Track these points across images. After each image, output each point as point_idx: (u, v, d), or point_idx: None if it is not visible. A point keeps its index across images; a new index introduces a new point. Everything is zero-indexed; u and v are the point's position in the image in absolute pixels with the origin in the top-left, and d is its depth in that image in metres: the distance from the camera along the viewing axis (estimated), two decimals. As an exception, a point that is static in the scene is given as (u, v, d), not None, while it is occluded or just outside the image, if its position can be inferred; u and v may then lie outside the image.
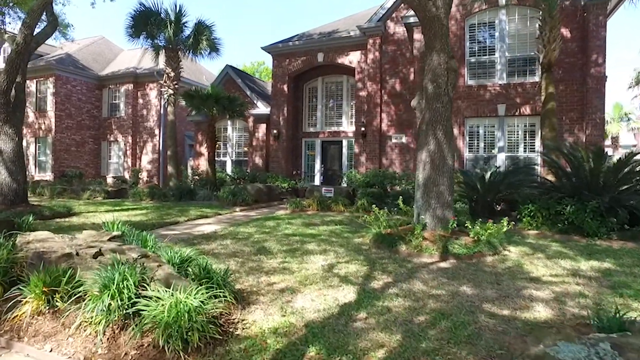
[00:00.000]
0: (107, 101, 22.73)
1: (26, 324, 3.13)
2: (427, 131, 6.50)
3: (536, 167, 11.34)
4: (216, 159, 19.31)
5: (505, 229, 6.36)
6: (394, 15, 14.38)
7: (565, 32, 11.71)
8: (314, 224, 9.19)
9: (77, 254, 3.89)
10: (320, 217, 10.49)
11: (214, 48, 17.01)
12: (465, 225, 6.55)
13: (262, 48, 16.83)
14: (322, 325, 3.35)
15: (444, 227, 6.53)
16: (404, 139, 14.20)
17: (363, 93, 15.24)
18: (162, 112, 21.51)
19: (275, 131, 16.80)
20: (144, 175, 21.62)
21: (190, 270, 3.95)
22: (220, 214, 11.39)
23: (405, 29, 14.14)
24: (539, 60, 10.48)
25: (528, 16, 12.33)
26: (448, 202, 6.58)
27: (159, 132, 21.51)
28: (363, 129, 14.92)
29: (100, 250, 4.02)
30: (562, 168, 9.13)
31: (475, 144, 12.94)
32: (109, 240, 4.72)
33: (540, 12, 10.88)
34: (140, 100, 22.00)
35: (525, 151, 12.34)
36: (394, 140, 14.34)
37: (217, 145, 15.90)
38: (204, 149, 19.36)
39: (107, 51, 25.06)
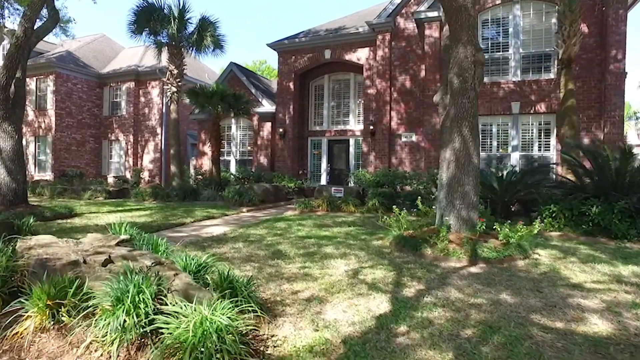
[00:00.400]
0: (108, 99, 22.34)
1: (28, 343, 2.75)
2: (452, 128, 6.14)
3: (553, 166, 10.97)
4: (220, 158, 18.95)
5: (536, 231, 6.00)
6: (403, 11, 14.01)
7: (583, 27, 11.35)
8: (327, 225, 8.83)
9: (85, 261, 3.52)
10: (331, 218, 10.13)
11: (218, 45, 16.64)
12: (494, 227, 6.19)
13: (268, 45, 16.46)
14: (362, 342, 2.98)
15: (469, 229, 6.17)
16: (414, 138, 13.83)
17: (371, 91, 14.88)
18: (164, 110, 21.14)
19: (281, 130, 16.43)
20: (145, 175, 21.24)
21: (209, 278, 3.58)
22: (227, 215, 11.03)
23: (415, 24, 13.78)
24: (557, 56, 10.12)
25: (543, 11, 11.97)
26: (473, 202, 6.22)
27: (161, 131, 21.13)
28: (372, 127, 14.56)
29: (109, 257, 3.65)
30: (584, 167, 8.77)
31: (489, 142, 12.58)
32: (117, 244, 4.36)
33: (557, 7, 10.55)
34: (142, 99, 21.62)
35: (540, 150, 11.98)
36: (403, 139, 13.97)
37: (221, 145, 15.50)
38: (207, 148, 18.99)
39: (108, 49, 24.67)
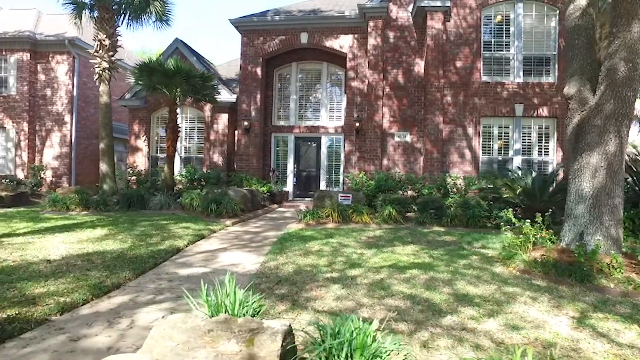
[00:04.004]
0: (-14, 73, 16.69)
1: None
2: (606, 127, 4.92)
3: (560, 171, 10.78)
4: (159, 155, 15.47)
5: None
6: (397, -3, 12.75)
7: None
8: (375, 245, 7.01)
9: None
10: (358, 232, 8.29)
11: (162, 16, 13.31)
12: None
13: (231, 21, 13.67)
14: None
15: (617, 249, 5.03)
16: (407, 138, 12.67)
17: (356, 83, 13.30)
18: (75, 93, 16.55)
19: (246, 123, 13.83)
20: (48, 175, 16.37)
21: None
22: (214, 231, 8.40)
23: (409, 14, 12.62)
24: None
25: (544, 13, 11.82)
26: (621, 218, 5.10)
27: (71, 119, 16.49)
28: (358, 124, 12.99)
29: None
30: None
31: (489, 145, 12.04)
32: None
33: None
34: (42, 76, 16.61)
35: (540, 154, 11.81)
36: (396, 139, 12.71)
37: (177, 139, 12.23)
38: (141, 143, 15.31)
39: (-17, 7, 18.57)
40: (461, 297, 4.31)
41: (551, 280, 4.82)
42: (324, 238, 7.56)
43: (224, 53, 59.72)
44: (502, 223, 8.81)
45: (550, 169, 11.57)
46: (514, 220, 6.27)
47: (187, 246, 6.87)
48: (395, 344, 2.36)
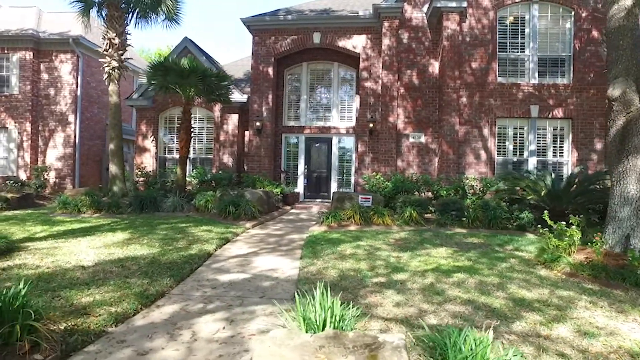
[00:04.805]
0: (-13, 72, 16.31)
1: None
2: (656, 128, 4.87)
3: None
4: (167, 156, 15.25)
5: None
6: (411, -3, 12.68)
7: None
8: (405, 247, 6.92)
9: None
10: (383, 234, 8.18)
11: (172, 15, 13.09)
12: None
13: (242, 20, 13.49)
14: None
15: (664, 254, 4.99)
16: (422, 139, 12.60)
17: (369, 84, 13.20)
18: (79, 92, 16.24)
19: (258, 124, 13.66)
20: (51, 176, 16.05)
21: None
22: (237, 234, 8.26)
23: (423, 14, 12.57)
24: (606, 60, 9.82)
25: (560, 15, 11.83)
26: (667, 221, 5.07)
27: (75, 119, 16.18)
28: (371, 125, 12.90)
29: None
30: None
31: (504, 146, 12.03)
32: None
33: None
34: (45, 76, 16.27)
35: (554, 156, 11.82)
36: (411, 140, 12.64)
37: (191, 140, 12.02)
38: (149, 144, 15.06)
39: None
40: (519, 301, 4.23)
41: (602, 283, 4.76)
42: (352, 241, 7.43)
43: (226, 52, 59.37)
44: (525, 224, 8.91)
45: (564, 170, 11.59)
46: (549, 222, 6.20)
47: (215, 250, 6.72)
48: (516, 355, 2.25)
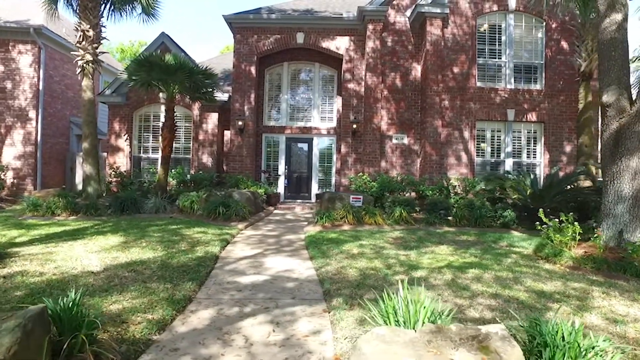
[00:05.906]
0: None
1: None
2: (650, 132, 5.33)
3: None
4: (142, 155, 14.59)
5: None
6: (395, 2, 12.96)
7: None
8: (406, 245, 7.10)
9: None
10: (379, 234, 8.31)
11: (149, 9, 12.55)
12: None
13: (225, 17, 13.16)
14: None
15: (653, 247, 5.47)
16: (405, 140, 12.92)
17: (352, 85, 13.35)
18: (41, 86, 15.12)
19: (240, 123, 13.38)
20: (8, 176, 14.80)
21: None
22: (233, 235, 8.09)
23: (406, 19, 12.91)
24: (579, 69, 10.59)
25: (532, 25, 12.57)
26: (658, 218, 5.56)
27: (36, 115, 15.04)
28: (355, 126, 13.06)
29: None
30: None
31: (482, 147, 12.60)
32: None
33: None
34: (0, 67, 14.99)
35: (529, 157, 12.55)
36: (394, 141, 12.92)
37: (174, 139, 11.52)
38: (122, 142, 14.32)
39: None
40: (539, 293, 4.47)
41: (605, 275, 5.14)
42: (352, 240, 7.49)
43: (194, 48, 57.40)
44: (508, 222, 9.41)
45: (537, 170, 12.35)
46: (545, 219, 6.58)
47: (220, 252, 6.53)
48: (605, 341, 2.39)
